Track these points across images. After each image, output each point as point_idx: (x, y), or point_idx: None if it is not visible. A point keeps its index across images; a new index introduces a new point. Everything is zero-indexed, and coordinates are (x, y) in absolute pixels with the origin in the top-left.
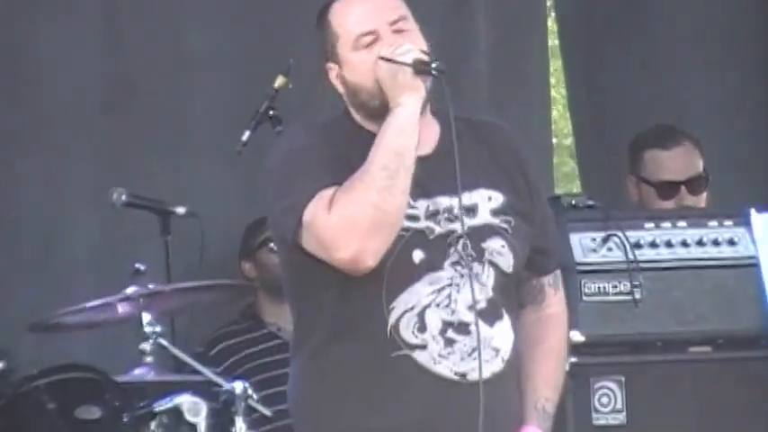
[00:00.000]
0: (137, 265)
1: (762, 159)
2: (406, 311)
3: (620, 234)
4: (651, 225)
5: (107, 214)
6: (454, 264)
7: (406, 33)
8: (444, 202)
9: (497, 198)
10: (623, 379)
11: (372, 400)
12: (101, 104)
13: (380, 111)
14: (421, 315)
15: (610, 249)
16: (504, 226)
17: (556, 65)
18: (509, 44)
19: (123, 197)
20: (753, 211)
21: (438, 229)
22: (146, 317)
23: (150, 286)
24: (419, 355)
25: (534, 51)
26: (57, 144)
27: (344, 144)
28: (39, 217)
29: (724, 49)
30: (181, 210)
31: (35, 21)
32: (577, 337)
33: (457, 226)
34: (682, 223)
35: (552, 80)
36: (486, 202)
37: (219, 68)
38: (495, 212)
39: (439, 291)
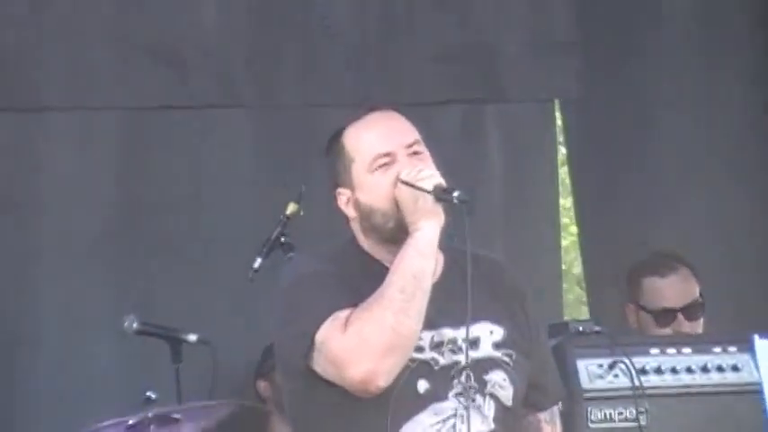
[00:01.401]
0: (148, 394)
1: (764, 286)
2: None
3: (626, 360)
4: (657, 351)
5: (119, 341)
6: (458, 395)
7: (422, 156)
8: (448, 333)
9: (499, 332)
10: None
11: None
12: (112, 231)
13: (394, 233)
14: None
15: (616, 376)
16: (506, 359)
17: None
18: (520, 171)
19: (135, 324)
20: (756, 337)
21: (442, 360)
22: None
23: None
24: None
25: (544, 179)
26: (69, 271)
27: (352, 272)
28: (52, 345)
29: (727, 176)
30: (193, 337)
31: (49, 145)
32: None
33: (460, 357)
34: (686, 350)
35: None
36: (488, 335)
37: (232, 196)
38: (496, 346)
39: (444, 421)
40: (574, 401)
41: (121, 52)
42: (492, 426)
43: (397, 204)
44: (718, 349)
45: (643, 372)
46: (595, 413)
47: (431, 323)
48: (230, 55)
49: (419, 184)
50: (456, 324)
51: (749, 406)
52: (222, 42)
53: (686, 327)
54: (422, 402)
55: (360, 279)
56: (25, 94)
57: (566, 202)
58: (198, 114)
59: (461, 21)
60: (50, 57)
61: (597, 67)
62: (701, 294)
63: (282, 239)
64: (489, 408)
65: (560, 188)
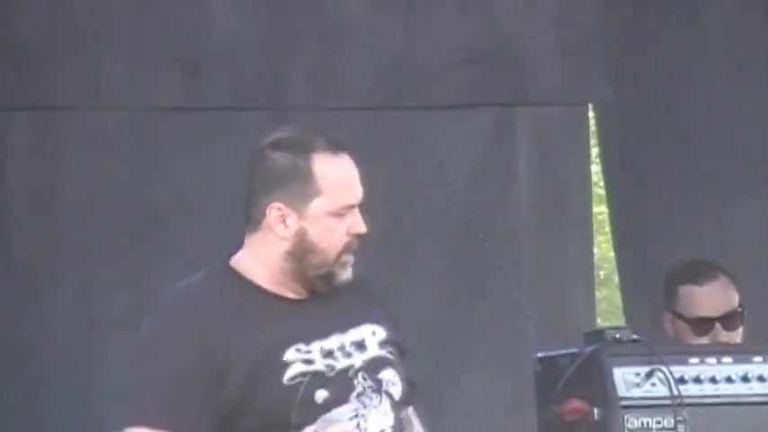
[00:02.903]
0: None
1: None
2: None
3: (664, 369)
4: (696, 360)
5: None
6: (359, 395)
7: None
8: (336, 341)
9: (380, 332)
10: None
11: None
12: (126, 232)
13: (313, 279)
14: None
15: (653, 384)
16: (391, 357)
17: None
18: (551, 177)
19: None
20: None
21: (338, 366)
22: None
23: None
24: None
25: (576, 185)
26: (84, 272)
27: (229, 304)
28: (67, 349)
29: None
30: None
31: (64, 146)
32: None
33: (353, 360)
34: (726, 359)
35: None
36: (372, 336)
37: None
38: (381, 344)
39: (350, 420)
40: (610, 409)
41: (136, 54)
42: (392, 422)
43: (338, 255)
44: (759, 359)
45: (681, 381)
46: (632, 421)
47: (318, 334)
48: (244, 57)
49: None
50: (341, 330)
51: None
52: (236, 44)
53: (724, 336)
54: (323, 410)
55: (241, 310)
56: (41, 95)
57: (599, 209)
58: (211, 117)
59: (491, 22)
60: (65, 58)
61: (631, 70)
62: (740, 304)
63: None
64: (386, 404)
65: (593, 195)
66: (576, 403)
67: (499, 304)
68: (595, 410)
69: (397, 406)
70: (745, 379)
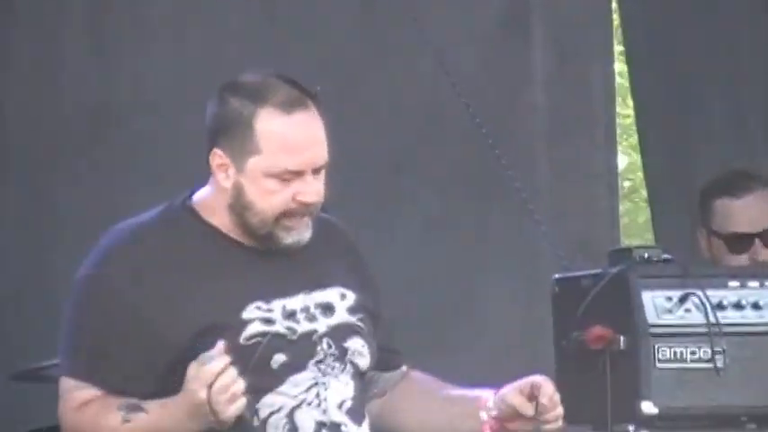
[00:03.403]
0: None
1: None
2: (272, 413)
3: (699, 293)
4: (736, 284)
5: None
6: (318, 362)
7: (321, 177)
8: (300, 301)
9: (350, 296)
10: None
11: None
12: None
13: (259, 238)
14: (290, 416)
15: (688, 310)
16: (360, 324)
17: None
18: (569, 75)
19: None
20: None
21: (300, 329)
22: None
23: None
24: None
25: (598, 83)
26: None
27: (182, 251)
28: (15, 268)
29: None
30: None
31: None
32: (650, 408)
33: (317, 325)
34: None
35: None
36: (341, 300)
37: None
38: (350, 311)
39: (306, 391)
40: (639, 337)
41: None
42: (353, 393)
43: (277, 218)
44: None
45: (720, 306)
46: (663, 351)
47: (281, 291)
48: None
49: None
50: (307, 290)
51: None
52: None
53: (764, 254)
54: (279, 376)
55: (192, 257)
56: None
57: (625, 112)
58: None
59: None
60: None
61: None
62: None
63: None
64: (350, 375)
65: (617, 95)
66: (599, 330)
67: (511, 218)
68: (622, 338)
69: (364, 377)
70: None
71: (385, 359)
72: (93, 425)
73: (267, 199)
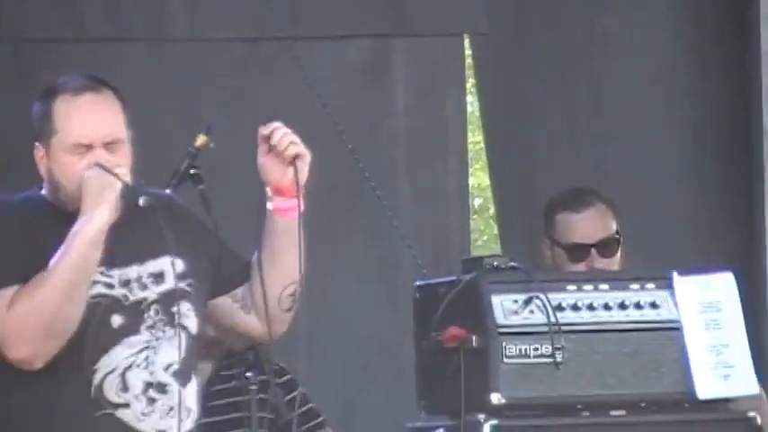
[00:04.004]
0: None
1: (685, 224)
2: (108, 373)
3: (542, 296)
4: (573, 287)
5: None
6: (149, 327)
7: (119, 152)
8: (134, 271)
9: (180, 264)
10: None
11: None
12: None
13: (74, 213)
14: (123, 376)
15: (531, 312)
16: (189, 289)
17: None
18: (426, 107)
19: None
20: (675, 274)
21: (131, 297)
22: None
23: None
24: (123, 414)
25: (452, 115)
26: None
27: (38, 223)
28: None
29: (648, 115)
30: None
31: None
32: (498, 399)
33: (148, 293)
34: (604, 286)
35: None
36: (171, 268)
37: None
38: (180, 277)
39: (137, 353)
40: (488, 336)
41: None
42: (183, 355)
43: (78, 191)
44: (636, 286)
45: (559, 308)
46: (510, 349)
47: (117, 261)
48: None
49: (115, 170)
50: (140, 260)
51: (667, 342)
52: None
53: (600, 263)
54: (116, 336)
55: (44, 229)
56: None
57: (476, 138)
58: (92, 48)
59: None
60: None
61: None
62: (617, 231)
63: (192, 171)
64: (180, 338)
65: (469, 126)
66: (454, 330)
67: (378, 234)
68: (474, 337)
69: (195, 339)
70: (623, 306)
71: (237, 280)
72: (29, 294)
73: (66, 174)
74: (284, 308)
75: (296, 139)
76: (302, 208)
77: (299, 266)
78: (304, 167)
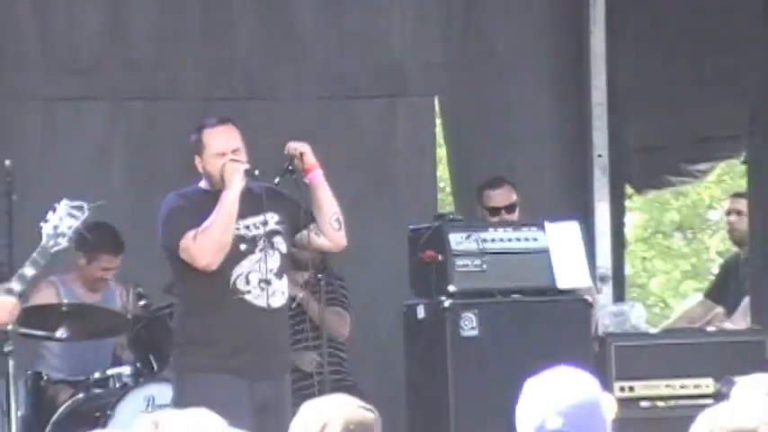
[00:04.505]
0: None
1: (551, 196)
2: (239, 275)
3: (474, 234)
4: (492, 229)
5: None
6: (262, 249)
7: (240, 155)
8: (252, 220)
9: (274, 217)
10: (477, 311)
11: (225, 320)
12: None
13: (219, 189)
14: (246, 276)
15: (470, 242)
16: (280, 229)
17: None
18: (398, 150)
19: None
20: (546, 222)
21: (250, 234)
22: None
23: None
24: (248, 297)
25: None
26: None
27: (198, 202)
28: None
29: (542, 122)
30: None
31: None
32: (453, 288)
33: (259, 231)
34: (509, 229)
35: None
36: (272, 218)
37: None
38: (276, 223)
39: (255, 263)
40: (448, 255)
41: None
42: (279, 263)
43: (221, 176)
44: (525, 229)
45: (484, 241)
46: (459, 262)
47: (244, 214)
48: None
49: (240, 162)
50: (254, 214)
51: (542, 258)
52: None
53: (507, 217)
54: (242, 255)
55: (202, 205)
56: None
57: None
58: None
59: (342, 19)
60: None
61: (463, 65)
62: (516, 201)
63: (290, 168)
64: (276, 255)
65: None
66: (430, 252)
67: (389, 199)
68: (439, 256)
69: (285, 256)
70: (518, 239)
71: (310, 216)
72: (204, 231)
73: (215, 168)
74: (335, 228)
75: (297, 144)
76: (322, 175)
77: (335, 203)
78: (309, 153)
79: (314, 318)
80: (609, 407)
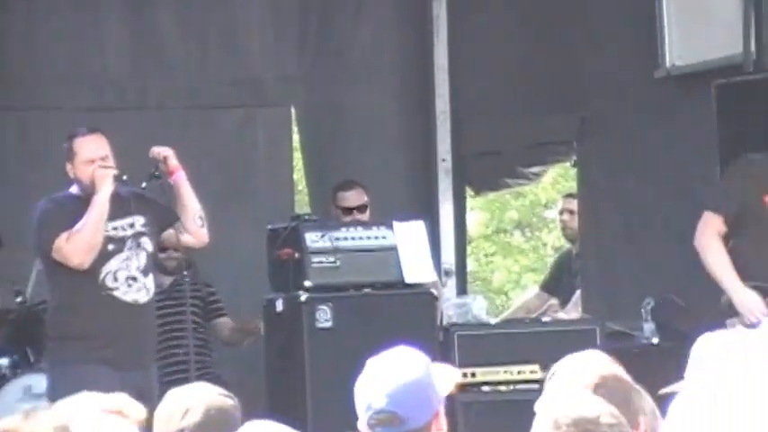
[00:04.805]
0: None
1: (399, 198)
2: (108, 273)
3: (329, 233)
4: (344, 228)
5: None
6: (129, 248)
7: (107, 162)
8: (120, 222)
9: (141, 219)
10: (331, 304)
11: (95, 315)
12: None
13: (89, 194)
14: (114, 274)
15: (324, 240)
16: (146, 230)
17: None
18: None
19: None
20: (395, 222)
21: (119, 234)
22: None
23: None
24: (115, 293)
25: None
26: None
27: (70, 206)
28: None
29: (391, 129)
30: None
31: None
32: (308, 284)
33: (126, 233)
34: (360, 228)
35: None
36: (138, 220)
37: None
38: (142, 225)
39: (123, 261)
40: (304, 253)
41: None
42: (144, 262)
43: (92, 182)
44: (376, 227)
45: (337, 239)
46: (314, 259)
47: (112, 216)
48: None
49: (109, 168)
50: (122, 216)
51: (390, 255)
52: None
53: (359, 218)
54: (111, 253)
55: (72, 209)
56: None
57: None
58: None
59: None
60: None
61: (317, 77)
62: (366, 202)
63: (156, 174)
64: (143, 254)
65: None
66: (287, 249)
67: (250, 201)
68: (296, 253)
69: (150, 255)
70: (369, 237)
71: (174, 215)
72: (77, 233)
73: (85, 175)
74: (198, 225)
75: (160, 149)
76: (185, 177)
77: (197, 202)
78: (172, 157)
79: (223, 339)
80: (447, 379)
